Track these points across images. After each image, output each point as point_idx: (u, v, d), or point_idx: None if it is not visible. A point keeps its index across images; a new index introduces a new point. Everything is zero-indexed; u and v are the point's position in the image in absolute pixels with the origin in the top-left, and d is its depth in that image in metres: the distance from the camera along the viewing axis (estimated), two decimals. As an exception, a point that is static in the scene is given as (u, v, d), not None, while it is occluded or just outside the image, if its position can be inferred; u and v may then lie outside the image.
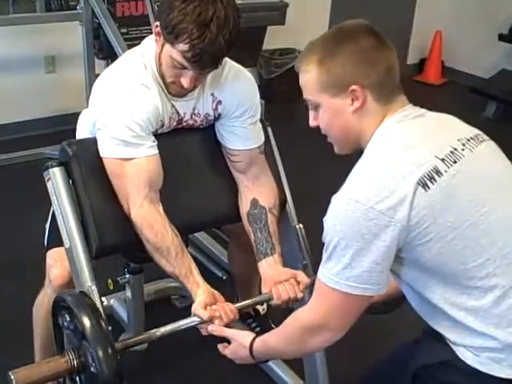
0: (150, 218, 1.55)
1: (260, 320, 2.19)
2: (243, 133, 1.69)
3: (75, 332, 1.39)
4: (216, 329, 1.51)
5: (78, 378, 1.41)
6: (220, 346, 1.51)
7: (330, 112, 1.28)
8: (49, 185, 1.56)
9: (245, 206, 1.74)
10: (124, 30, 3.46)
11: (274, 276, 1.67)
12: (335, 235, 1.17)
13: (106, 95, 1.56)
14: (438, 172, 1.16)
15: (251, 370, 1.96)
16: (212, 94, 1.65)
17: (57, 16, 3.51)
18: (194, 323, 1.55)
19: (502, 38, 4.75)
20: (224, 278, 2.51)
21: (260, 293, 2.17)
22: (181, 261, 1.55)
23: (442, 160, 1.18)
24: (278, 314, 2.18)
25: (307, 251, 1.81)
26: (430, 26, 5.34)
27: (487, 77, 4.90)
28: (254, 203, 1.72)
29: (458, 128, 1.30)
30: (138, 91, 1.54)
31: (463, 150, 1.22)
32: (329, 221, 1.19)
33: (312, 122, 1.33)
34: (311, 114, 1.33)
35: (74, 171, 1.55)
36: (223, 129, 1.71)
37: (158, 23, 1.51)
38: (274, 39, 4.40)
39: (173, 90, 1.58)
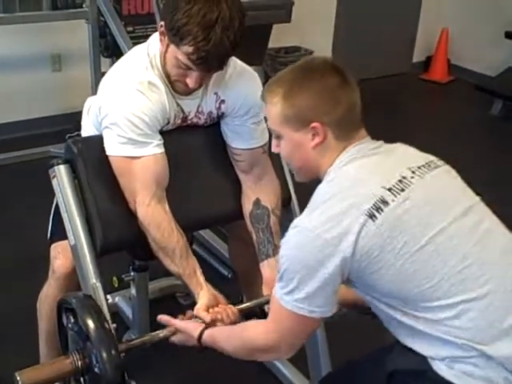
0: (157, 217, 1.55)
1: (265, 318, 2.19)
2: (246, 132, 1.69)
3: (79, 333, 1.41)
4: (164, 318, 1.52)
5: (82, 379, 1.43)
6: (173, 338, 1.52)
7: (291, 144, 1.32)
8: (54, 182, 1.57)
9: (247, 206, 1.74)
10: (130, 29, 3.46)
11: (275, 277, 1.67)
12: (286, 259, 1.23)
13: (113, 94, 1.56)
14: (385, 202, 1.19)
15: (256, 368, 1.97)
16: (216, 93, 1.64)
17: (63, 14, 3.51)
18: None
19: (508, 35, 4.73)
20: (229, 276, 2.52)
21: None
22: (185, 261, 1.56)
23: (389, 189, 1.21)
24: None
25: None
26: (436, 23, 5.33)
27: (494, 75, 4.88)
28: (257, 203, 1.73)
29: (409, 157, 1.32)
30: (144, 90, 1.54)
31: (412, 177, 1.25)
32: (283, 245, 1.25)
33: (274, 149, 1.39)
34: (274, 141, 1.38)
35: (79, 169, 1.56)
36: (227, 127, 1.71)
37: (162, 23, 1.50)
38: (279, 37, 4.40)
39: (178, 87, 1.58)
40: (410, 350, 1.25)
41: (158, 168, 1.57)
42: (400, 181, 1.23)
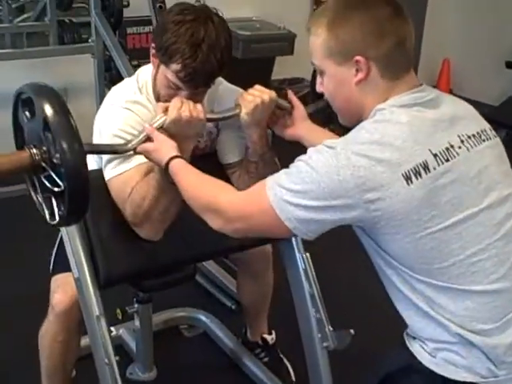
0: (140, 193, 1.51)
1: (269, 350, 2.19)
2: (241, 143, 1.68)
3: (37, 125, 1.26)
4: (148, 127, 1.44)
5: (43, 175, 1.30)
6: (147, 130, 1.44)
7: (333, 80, 1.24)
8: (58, 215, 1.58)
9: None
10: (135, 62, 3.52)
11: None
12: (307, 168, 1.14)
13: (101, 119, 1.61)
14: (426, 168, 1.12)
15: None
16: (212, 111, 1.67)
17: (69, 49, 3.58)
18: (156, 124, 1.45)
19: (509, 65, 4.77)
20: (233, 307, 2.51)
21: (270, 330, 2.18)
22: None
23: (435, 155, 1.13)
24: (287, 343, 2.19)
25: (314, 280, 1.81)
26: (438, 53, 5.38)
27: (496, 104, 4.91)
28: None
29: (463, 121, 1.23)
30: (131, 106, 1.58)
31: (460, 147, 1.17)
32: (312, 154, 1.16)
33: (318, 88, 1.29)
34: (318, 79, 1.29)
35: (83, 202, 1.57)
36: (221, 144, 1.72)
37: (153, 45, 1.56)
38: (282, 69, 4.45)
39: None
40: (401, 344, 1.24)
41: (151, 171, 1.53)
42: (447, 148, 1.15)
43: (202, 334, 2.40)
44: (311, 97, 1.76)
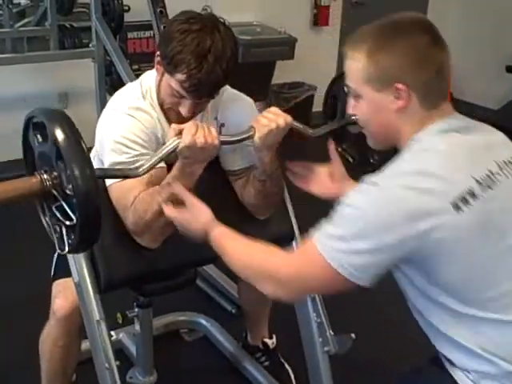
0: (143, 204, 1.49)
1: (269, 354, 2.19)
2: (246, 150, 1.66)
3: (49, 151, 1.21)
4: (177, 186, 1.41)
5: (55, 197, 1.23)
6: (168, 209, 1.40)
7: (371, 106, 1.24)
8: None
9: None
10: (135, 67, 3.53)
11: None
12: (350, 208, 1.13)
13: (104, 125, 1.60)
14: (473, 195, 1.11)
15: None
16: (215, 118, 1.67)
17: (70, 54, 3.59)
18: (168, 148, 1.40)
19: (509, 69, 4.78)
20: (233, 311, 2.50)
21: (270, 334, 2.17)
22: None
23: (478, 182, 1.13)
24: (288, 348, 2.19)
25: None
26: (438, 58, 5.39)
27: (496, 108, 4.92)
28: None
29: (497, 148, 1.24)
30: (134, 113, 1.57)
31: (499, 174, 1.17)
32: (354, 195, 1.15)
33: (350, 110, 1.29)
34: (350, 101, 1.29)
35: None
36: (225, 152, 1.69)
37: (158, 53, 1.55)
38: (282, 73, 4.46)
39: (171, 116, 1.60)
40: (439, 367, 1.22)
41: (154, 179, 1.52)
42: (488, 175, 1.15)
43: (203, 338, 2.40)
44: (324, 117, 1.74)
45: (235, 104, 1.69)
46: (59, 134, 1.16)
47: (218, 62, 1.46)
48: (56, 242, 1.28)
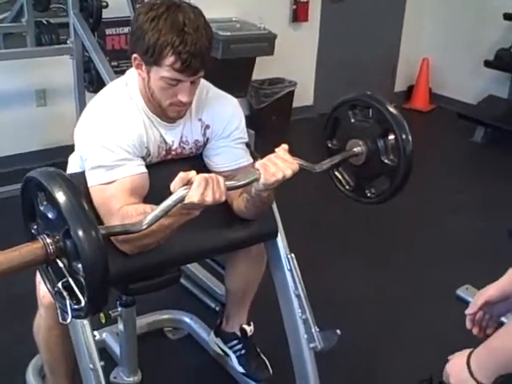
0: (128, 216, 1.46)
1: (245, 342, 2.09)
2: (232, 153, 1.68)
3: (50, 213, 1.19)
4: None
5: (59, 263, 1.20)
6: None
7: None
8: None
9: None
10: (114, 63, 3.50)
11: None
12: None
13: (89, 126, 1.58)
14: None
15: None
16: (200, 119, 1.66)
17: (47, 50, 3.53)
18: (174, 200, 1.35)
19: (487, 64, 4.82)
20: (217, 309, 2.49)
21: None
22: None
23: None
24: (265, 339, 2.16)
25: (299, 281, 1.80)
26: (417, 53, 5.42)
27: (475, 102, 4.96)
28: None
29: None
30: (120, 117, 1.56)
31: None
32: None
33: None
34: None
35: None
36: (212, 152, 1.70)
37: (135, 55, 1.53)
38: (263, 70, 4.45)
39: (172, 112, 1.58)
40: None
41: (136, 188, 1.54)
42: None
43: (187, 337, 2.39)
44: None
45: (220, 104, 1.68)
46: (61, 197, 1.14)
47: (197, 30, 1.47)
48: (59, 313, 1.25)
